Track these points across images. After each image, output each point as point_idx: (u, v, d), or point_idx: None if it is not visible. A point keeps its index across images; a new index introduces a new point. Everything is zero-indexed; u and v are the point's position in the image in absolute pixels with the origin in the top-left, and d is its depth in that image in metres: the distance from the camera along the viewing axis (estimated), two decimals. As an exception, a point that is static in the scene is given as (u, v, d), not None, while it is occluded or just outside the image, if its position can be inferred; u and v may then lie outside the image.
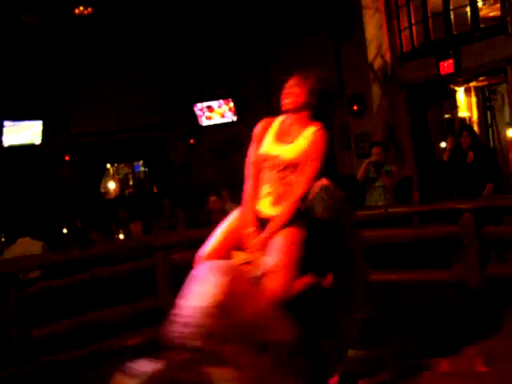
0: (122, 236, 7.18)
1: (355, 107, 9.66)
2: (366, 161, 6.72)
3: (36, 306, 5.19)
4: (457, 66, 8.27)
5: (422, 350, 4.01)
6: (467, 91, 9.01)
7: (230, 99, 12.13)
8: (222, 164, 12.33)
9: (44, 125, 11.45)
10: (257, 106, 11.99)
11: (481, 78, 8.66)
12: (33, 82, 11.32)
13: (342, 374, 3.56)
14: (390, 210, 5.58)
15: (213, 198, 6.71)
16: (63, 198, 11.88)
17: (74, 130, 12.03)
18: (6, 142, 11.11)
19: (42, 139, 11.49)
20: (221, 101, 12.21)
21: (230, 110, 12.13)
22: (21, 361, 4.80)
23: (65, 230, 8.61)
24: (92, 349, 5.10)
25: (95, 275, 5.54)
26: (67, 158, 12.03)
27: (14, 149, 11.24)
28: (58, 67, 11.69)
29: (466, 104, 9.08)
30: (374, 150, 6.73)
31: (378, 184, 6.56)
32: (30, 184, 11.35)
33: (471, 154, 6.46)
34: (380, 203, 6.31)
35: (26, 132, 11.35)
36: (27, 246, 6.53)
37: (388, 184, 6.54)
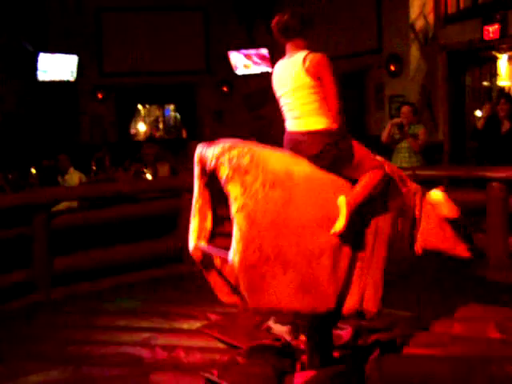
0: (149, 176, 7.27)
1: (392, 67, 9.49)
2: (390, 122, 6.66)
3: (65, 238, 5.35)
4: (502, 31, 8.03)
5: (438, 312, 4.06)
6: (510, 59, 8.78)
7: (267, 48, 11.99)
8: (255, 114, 12.30)
9: (79, 61, 11.48)
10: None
11: (527, 47, 8.42)
12: (67, 16, 11.34)
13: (355, 327, 3.65)
14: (417, 173, 5.54)
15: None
16: (94, 136, 12.03)
17: (107, 68, 12.06)
18: (41, 77, 11.18)
19: (76, 76, 11.54)
20: (257, 50, 12.08)
21: (265, 60, 12.01)
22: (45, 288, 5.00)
23: (94, 167, 8.73)
24: (112, 282, 5.28)
25: (125, 211, 5.67)
26: (100, 96, 12.09)
27: (48, 83, 11.32)
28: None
29: (507, 72, 8.85)
30: (404, 108, 6.67)
31: (403, 145, 6.50)
32: (63, 119, 11.48)
33: (507, 124, 6.35)
34: (405, 165, 6.27)
35: (61, 66, 11.38)
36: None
37: (414, 146, 6.48)
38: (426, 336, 3.70)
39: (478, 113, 8.50)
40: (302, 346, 3.33)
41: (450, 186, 7.23)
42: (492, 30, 8.09)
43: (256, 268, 2.80)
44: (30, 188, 7.40)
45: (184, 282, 5.32)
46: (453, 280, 4.97)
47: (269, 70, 11.95)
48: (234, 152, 2.87)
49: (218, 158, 2.87)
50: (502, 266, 5.31)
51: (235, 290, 3.03)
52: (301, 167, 2.97)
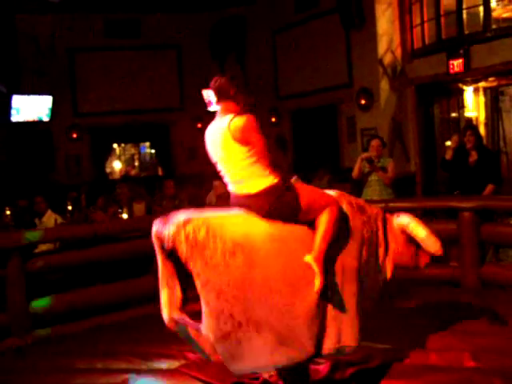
0: (125, 215, 7.28)
1: (363, 101, 9.70)
2: (360, 157, 6.79)
3: (40, 280, 5.32)
4: (466, 65, 8.30)
5: (414, 343, 4.11)
6: (476, 91, 9.03)
7: (240, 86, 12.16)
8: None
9: (53, 101, 11.51)
10: (265, 93, 12.07)
11: (490, 79, 8.67)
12: (39, 57, 11.41)
13: (332, 361, 3.68)
14: (390, 205, 5.65)
15: (217, 183, 6.79)
16: (69, 175, 12.00)
17: (81, 107, 12.12)
18: (15, 118, 11.18)
19: (50, 116, 11.56)
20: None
21: (238, 96, 12.16)
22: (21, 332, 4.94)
23: (69, 207, 8.70)
24: (91, 323, 5.23)
25: (101, 252, 5.65)
26: (74, 136, 12.11)
27: (22, 124, 11.32)
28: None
29: (473, 104, 9.10)
30: (373, 142, 6.80)
31: (373, 178, 6.61)
32: (37, 159, 11.46)
33: (474, 155, 6.51)
34: (376, 198, 6.37)
35: (35, 107, 11.40)
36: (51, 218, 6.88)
37: (384, 179, 6.60)
38: (403, 367, 3.74)
39: (449, 143, 8.70)
40: (280, 383, 3.35)
41: (424, 217, 7.39)
42: (457, 64, 8.36)
43: (230, 336, 2.84)
44: (5, 229, 7.34)
45: (161, 322, 5.29)
46: (427, 309, 5.03)
47: (242, 106, 12.10)
48: (189, 227, 2.88)
49: (174, 238, 2.89)
50: (475, 294, 5.40)
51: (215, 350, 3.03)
52: (258, 228, 2.99)
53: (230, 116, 3.12)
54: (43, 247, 6.10)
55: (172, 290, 3.08)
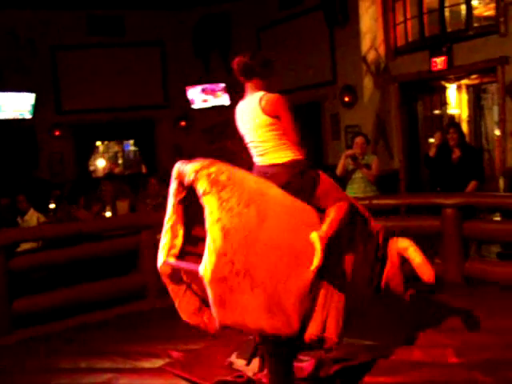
0: (109, 214, 7.23)
1: (347, 98, 9.72)
2: (344, 154, 6.81)
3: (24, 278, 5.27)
4: (449, 63, 8.36)
5: (398, 340, 4.13)
6: (458, 88, 9.09)
7: (224, 83, 12.16)
8: (214, 147, 12.37)
9: (36, 98, 11.41)
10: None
11: (472, 77, 8.74)
12: (22, 55, 11.30)
13: (317, 358, 3.69)
14: (373, 202, 5.68)
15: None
16: (52, 173, 11.90)
17: (64, 105, 12.01)
18: (-3, 114, 11.07)
19: (33, 113, 11.45)
20: (214, 84, 12.24)
21: (223, 93, 12.16)
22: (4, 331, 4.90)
23: (52, 205, 8.63)
24: (75, 322, 5.20)
25: (84, 251, 5.62)
26: (58, 133, 12.01)
27: (4, 121, 11.20)
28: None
29: (456, 101, 9.16)
30: (358, 139, 6.81)
31: (357, 175, 6.63)
32: (20, 157, 11.35)
33: (457, 152, 6.55)
34: (360, 195, 6.40)
35: (18, 104, 11.29)
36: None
37: (368, 176, 6.63)
38: (387, 363, 3.76)
39: (432, 140, 8.76)
40: (264, 380, 3.35)
41: (407, 213, 7.44)
42: (439, 62, 8.41)
43: (226, 281, 2.83)
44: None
45: (145, 320, 5.29)
46: (411, 305, 5.06)
47: (226, 103, 12.12)
48: (213, 168, 2.95)
49: (196, 172, 2.94)
50: (458, 289, 5.45)
51: (200, 310, 3.11)
52: (274, 191, 3.10)
53: (261, 93, 3.27)
54: (26, 246, 6.04)
55: (174, 237, 3.12)
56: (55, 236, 5.81)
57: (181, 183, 3.07)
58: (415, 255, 3.49)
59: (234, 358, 3.79)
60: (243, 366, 3.65)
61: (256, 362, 3.56)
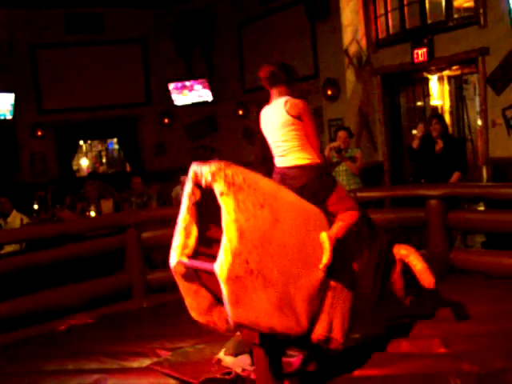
0: (93, 213, 7.18)
1: (329, 91, 9.71)
2: (328, 146, 6.82)
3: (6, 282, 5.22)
4: (430, 54, 8.37)
5: (385, 332, 4.14)
6: (440, 80, 9.12)
7: (206, 78, 12.12)
8: (197, 144, 12.35)
9: (16, 98, 11.29)
10: (232, 86, 12.03)
11: (454, 68, 8.76)
12: (0, 54, 11.17)
13: (305, 353, 3.69)
14: (358, 195, 5.68)
15: (184, 179, 6.73)
16: (34, 174, 11.80)
17: (45, 104, 11.90)
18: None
19: (13, 113, 11.33)
20: (196, 80, 12.19)
21: (205, 89, 12.12)
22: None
23: (36, 206, 8.55)
24: (61, 324, 5.16)
25: (68, 251, 5.58)
26: (39, 133, 11.90)
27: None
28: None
29: (438, 92, 9.19)
30: (341, 133, 6.82)
31: (342, 168, 6.65)
32: (1, 158, 11.24)
33: (440, 143, 6.58)
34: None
35: (-3, 105, 11.19)
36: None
37: (352, 169, 6.64)
38: (375, 356, 3.77)
39: (415, 132, 8.79)
40: (253, 376, 3.35)
41: (392, 205, 7.47)
42: (421, 53, 8.42)
43: (240, 280, 2.89)
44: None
45: (132, 320, 5.26)
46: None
47: (208, 99, 12.08)
48: (229, 170, 3.03)
49: (214, 174, 3.02)
50: (443, 280, 5.47)
51: (210, 309, 3.16)
52: (286, 194, 3.20)
53: (286, 97, 3.47)
54: (9, 248, 5.98)
55: (187, 237, 3.18)
56: (39, 237, 5.75)
57: (196, 184, 3.14)
58: (416, 262, 3.66)
59: (221, 355, 3.78)
60: (231, 362, 3.65)
61: (244, 358, 3.56)
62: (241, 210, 2.95)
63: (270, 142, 3.55)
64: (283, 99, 3.46)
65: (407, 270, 3.79)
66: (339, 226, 3.31)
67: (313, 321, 3.15)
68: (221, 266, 2.86)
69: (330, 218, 3.34)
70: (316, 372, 3.55)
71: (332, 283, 3.23)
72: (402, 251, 3.72)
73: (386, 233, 3.82)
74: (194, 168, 3.16)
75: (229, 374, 3.55)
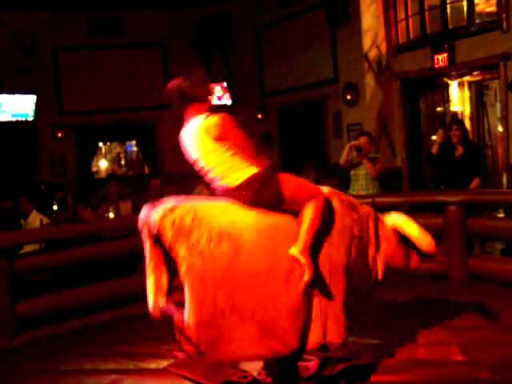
0: (111, 214, 7.23)
1: (349, 96, 9.70)
2: (348, 144, 6.80)
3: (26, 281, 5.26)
4: (451, 59, 8.33)
5: (403, 338, 4.12)
6: (460, 85, 9.06)
7: (225, 82, 12.15)
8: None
9: (37, 100, 11.41)
10: (251, 90, 12.04)
11: (475, 73, 8.71)
12: (24, 55, 11.30)
13: (321, 358, 3.67)
14: (377, 200, 5.66)
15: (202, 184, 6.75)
16: (54, 175, 11.90)
17: (66, 106, 12.01)
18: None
19: (35, 115, 11.45)
20: (216, 83, 12.22)
21: (224, 93, 12.15)
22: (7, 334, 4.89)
23: (55, 207, 8.62)
24: (78, 324, 5.19)
25: (88, 252, 5.61)
26: (60, 135, 12.01)
27: (6, 123, 11.20)
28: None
29: (458, 98, 9.13)
30: (362, 138, 6.82)
31: (361, 172, 6.63)
32: (22, 159, 11.36)
33: (460, 149, 6.53)
34: (362, 193, 6.39)
35: (20, 106, 11.29)
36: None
37: (371, 171, 6.61)
38: (392, 362, 3.75)
39: (435, 137, 8.73)
40: (269, 380, 3.34)
41: (411, 211, 7.41)
42: (441, 59, 8.38)
43: (212, 324, 2.83)
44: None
45: (149, 321, 5.26)
46: (415, 303, 5.05)
47: (227, 103, 12.11)
48: (176, 213, 2.89)
49: (160, 222, 2.89)
50: (462, 287, 5.43)
51: None
52: (245, 218, 2.99)
53: (203, 116, 3.12)
54: (29, 248, 6.04)
55: (159, 278, 3.06)
56: (58, 238, 5.79)
57: (149, 231, 2.99)
58: (410, 228, 3.36)
59: (238, 358, 3.77)
60: (248, 365, 3.64)
61: (261, 361, 3.55)
62: (195, 253, 2.83)
63: (200, 166, 3.18)
64: (200, 119, 3.12)
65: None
66: (305, 229, 2.97)
67: (304, 334, 3.00)
68: (188, 317, 2.81)
69: (298, 219, 3.05)
70: (332, 377, 3.53)
71: (316, 290, 3.03)
72: (393, 220, 3.40)
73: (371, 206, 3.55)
74: (143, 214, 3.03)
75: (245, 377, 3.54)
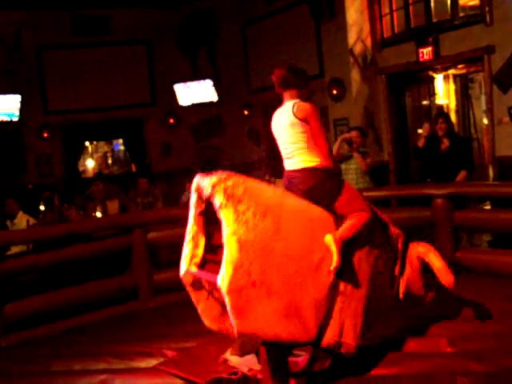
0: (99, 214, 7.19)
1: (334, 91, 9.70)
2: (340, 137, 6.82)
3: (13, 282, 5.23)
4: (436, 53, 8.35)
5: (393, 331, 4.13)
6: (446, 79, 9.09)
7: (211, 79, 12.12)
8: (202, 144, 12.36)
9: (22, 100, 11.32)
10: (237, 87, 12.03)
11: (459, 66, 8.74)
12: (7, 56, 11.20)
13: (311, 353, 3.68)
14: (365, 194, 5.66)
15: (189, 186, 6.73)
16: (41, 175, 11.82)
17: (51, 106, 11.93)
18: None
19: (20, 115, 11.36)
20: (201, 81, 12.19)
21: (210, 89, 12.12)
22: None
23: (42, 207, 8.56)
24: (68, 324, 5.16)
25: (75, 252, 5.58)
26: (45, 135, 11.93)
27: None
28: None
29: (444, 91, 9.16)
30: (353, 132, 6.82)
31: (351, 166, 6.65)
32: (8, 159, 11.27)
33: (446, 142, 6.56)
34: (353, 187, 6.39)
35: (4, 107, 11.20)
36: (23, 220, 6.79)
37: (362, 164, 6.63)
38: (382, 356, 3.75)
39: (421, 131, 8.77)
40: (259, 376, 3.34)
41: (398, 205, 7.45)
42: (426, 52, 8.40)
43: (243, 291, 2.91)
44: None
45: (138, 320, 5.26)
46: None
47: (213, 99, 12.08)
48: (230, 182, 3.06)
49: (214, 187, 3.06)
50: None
51: (222, 315, 3.19)
52: (291, 200, 3.21)
53: (295, 100, 3.52)
54: (16, 249, 5.99)
55: (196, 247, 3.24)
56: (45, 238, 5.76)
57: (200, 197, 3.18)
58: (435, 260, 3.61)
59: (228, 354, 3.78)
60: (237, 362, 3.65)
61: (250, 357, 3.55)
62: (241, 221, 2.97)
63: (279, 143, 3.59)
64: (292, 102, 3.52)
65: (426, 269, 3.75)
66: (346, 227, 3.28)
67: (322, 327, 3.14)
68: (222, 278, 2.90)
69: (339, 221, 3.32)
70: (322, 372, 3.53)
71: (341, 288, 3.20)
72: (420, 249, 3.68)
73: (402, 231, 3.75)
74: (197, 180, 3.22)
75: (235, 373, 3.54)
